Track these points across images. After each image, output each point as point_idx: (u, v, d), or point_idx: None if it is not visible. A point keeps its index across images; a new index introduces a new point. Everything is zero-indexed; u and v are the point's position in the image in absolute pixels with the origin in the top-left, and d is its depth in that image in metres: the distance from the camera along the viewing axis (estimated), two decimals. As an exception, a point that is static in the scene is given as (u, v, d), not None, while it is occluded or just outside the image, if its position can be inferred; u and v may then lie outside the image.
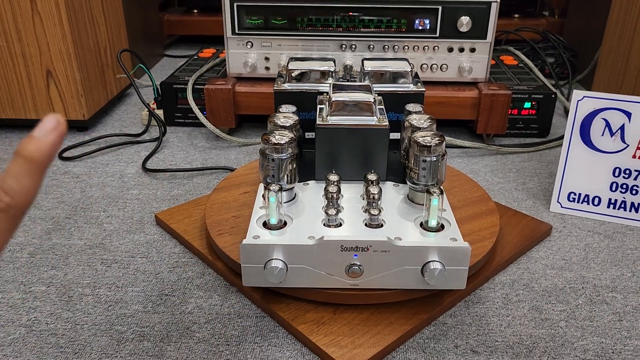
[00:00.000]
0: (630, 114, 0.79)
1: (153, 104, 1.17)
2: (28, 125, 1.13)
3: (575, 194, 0.84)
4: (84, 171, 0.98)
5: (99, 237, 0.79)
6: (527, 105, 1.08)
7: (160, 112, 1.15)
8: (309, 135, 0.79)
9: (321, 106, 0.75)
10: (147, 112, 1.15)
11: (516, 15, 1.67)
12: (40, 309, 0.65)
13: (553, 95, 1.08)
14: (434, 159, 0.64)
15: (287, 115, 0.72)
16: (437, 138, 0.65)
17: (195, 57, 1.32)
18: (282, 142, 0.64)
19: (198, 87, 1.11)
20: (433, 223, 0.62)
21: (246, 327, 0.62)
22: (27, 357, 0.58)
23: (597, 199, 0.83)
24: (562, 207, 0.85)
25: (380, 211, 0.63)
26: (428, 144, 0.64)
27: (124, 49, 1.18)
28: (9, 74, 1.05)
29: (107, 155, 1.05)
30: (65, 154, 1.03)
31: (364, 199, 0.67)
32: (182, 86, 1.12)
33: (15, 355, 0.58)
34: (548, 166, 1.00)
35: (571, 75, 1.36)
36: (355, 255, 0.58)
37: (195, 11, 1.75)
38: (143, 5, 1.50)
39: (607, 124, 0.81)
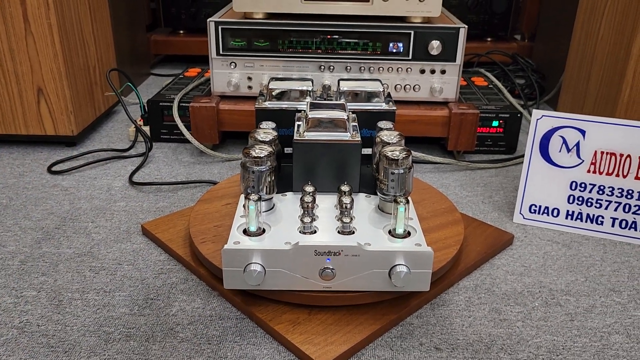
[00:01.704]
0: (585, 131, 0.86)
1: (140, 120, 1.22)
2: (18, 140, 1.17)
3: (536, 206, 0.90)
4: (73, 184, 1.02)
5: (87, 246, 0.83)
6: (495, 123, 1.15)
7: (146, 129, 1.20)
8: (288, 150, 0.85)
9: (299, 123, 0.80)
10: (134, 129, 1.19)
11: (488, 39, 1.75)
12: (32, 312, 0.69)
13: (519, 115, 1.15)
14: (402, 171, 0.70)
15: (267, 131, 0.78)
16: (405, 152, 0.70)
17: (180, 76, 1.37)
18: (262, 155, 0.69)
19: (183, 104, 1.16)
20: (400, 230, 0.67)
21: (226, 328, 0.67)
22: (20, 356, 0.62)
23: (555, 211, 0.89)
24: (524, 218, 0.91)
25: (352, 219, 0.69)
26: (396, 158, 0.70)
27: (113, 69, 1.23)
28: (1, 91, 1.09)
29: (95, 169, 1.09)
30: (54, 168, 1.07)
31: (337, 208, 0.72)
32: (168, 104, 1.17)
33: (8, 354, 0.62)
34: (514, 181, 1.06)
35: (539, 96, 1.44)
36: (328, 259, 0.63)
37: (181, 32, 1.81)
38: (131, 26, 1.55)
39: (564, 141, 0.87)
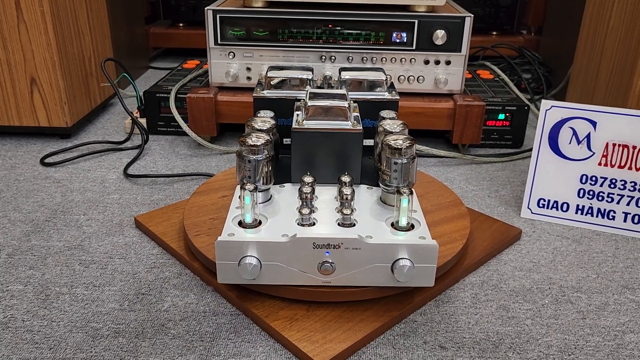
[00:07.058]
0: (596, 123, 0.82)
1: (136, 112, 1.19)
2: (10, 132, 1.14)
3: (544, 200, 0.87)
4: (65, 176, 0.99)
5: (78, 239, 0.80)
6: (501, 116, 1.12)
7: (143, 121, 1.17)
8: (287, 141, 0.82)
9: (298, 112, 0.77)
10: (130, 121, 1.16)
11: (494, 33, 1.72)
12: (17, 306, 0.66)
13: (526, 107, 1.11)
14: (405, 161, 0.66)
15: (264, 119, 0.74)
16: (408, 141, 0.67)
17: (179, 68, 1.34)
18: (258, 143, 0.66)
19: (181, 96, 1.13)
20: (403, 222, 0.64)
21: (221, 324, 0.63)
22: (2, 353, 0.59)
23: (565, 205, 0.86)
24: (532, 213, 0.88)
25: (352, 211, 0.65)
26: (399, 147, 0.66)
27: (108, 58, 1.19)
28: (-7, 81, 1.07)
29: (89, 161, 1.06)
30: (47, 160, 1.04)
31: (337, 200, 0.69)
32: (165, 95, 1.14)
33: (-10, 350, 0.59)
34: (521, 175, 1.03)
35: (546, 90, 1.41)
36: (327, 252, 0.60)
37: (181, 25, 1.78)
38: (129, 18, 1.52)
39: (574, 133, 0.84)
